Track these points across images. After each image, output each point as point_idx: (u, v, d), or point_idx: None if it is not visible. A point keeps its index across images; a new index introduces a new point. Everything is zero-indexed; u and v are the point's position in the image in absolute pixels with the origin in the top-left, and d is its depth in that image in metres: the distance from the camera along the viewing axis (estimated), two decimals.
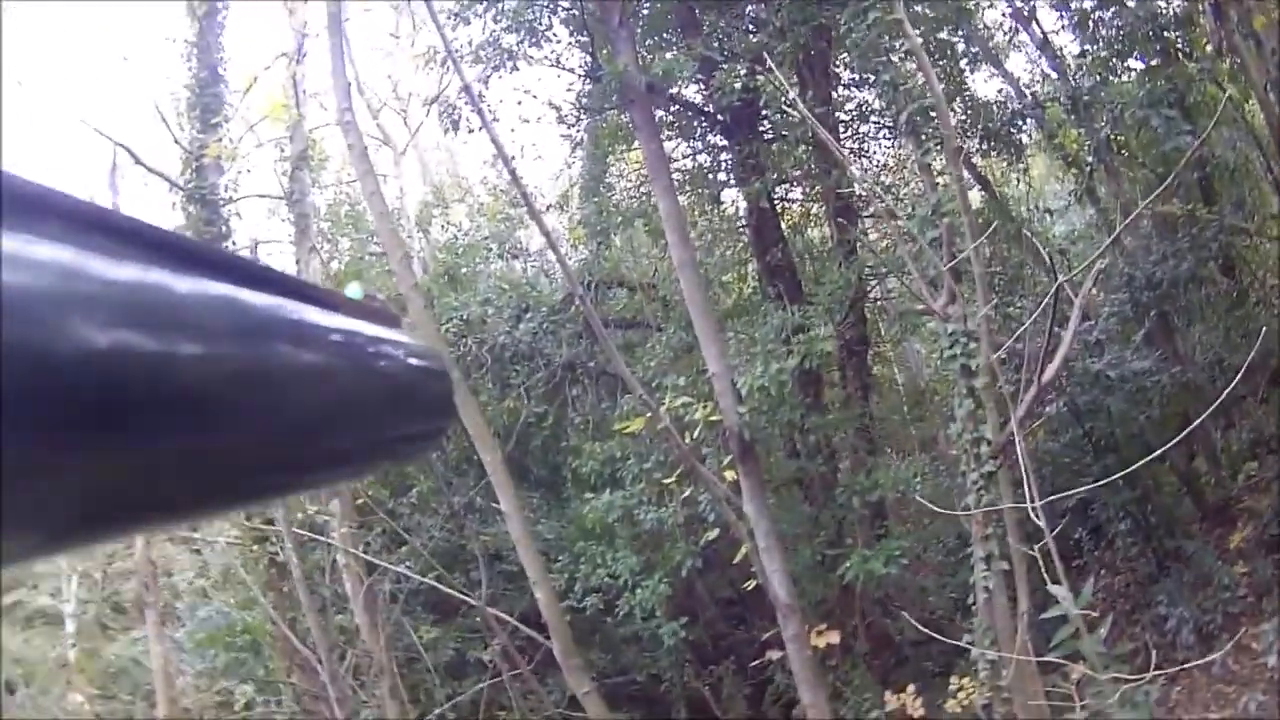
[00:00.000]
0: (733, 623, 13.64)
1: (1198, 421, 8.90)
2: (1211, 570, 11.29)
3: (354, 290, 0.69)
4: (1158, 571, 12.27)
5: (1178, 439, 8.53)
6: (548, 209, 15.27)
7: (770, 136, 12.30)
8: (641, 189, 13.58)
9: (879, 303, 14.24)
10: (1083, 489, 8.85)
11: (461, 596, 11.55)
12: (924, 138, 10.03)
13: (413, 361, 0.69)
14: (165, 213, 14.07)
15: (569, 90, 13.02)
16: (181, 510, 0.49)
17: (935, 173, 10.45)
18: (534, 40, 11.92)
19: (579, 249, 13.80)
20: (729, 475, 9.76)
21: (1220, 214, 13.01)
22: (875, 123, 13.73)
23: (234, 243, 14.21)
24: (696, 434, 9.73)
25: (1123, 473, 8.32)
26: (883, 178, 13.68)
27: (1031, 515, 6.09)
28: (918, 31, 10.11)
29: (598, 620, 12.78)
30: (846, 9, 10.04)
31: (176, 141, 14.70)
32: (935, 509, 9.33)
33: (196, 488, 0.46)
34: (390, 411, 0.66)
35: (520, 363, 13.02)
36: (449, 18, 11.38)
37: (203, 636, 16.18)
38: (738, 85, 10.24)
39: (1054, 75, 13.82)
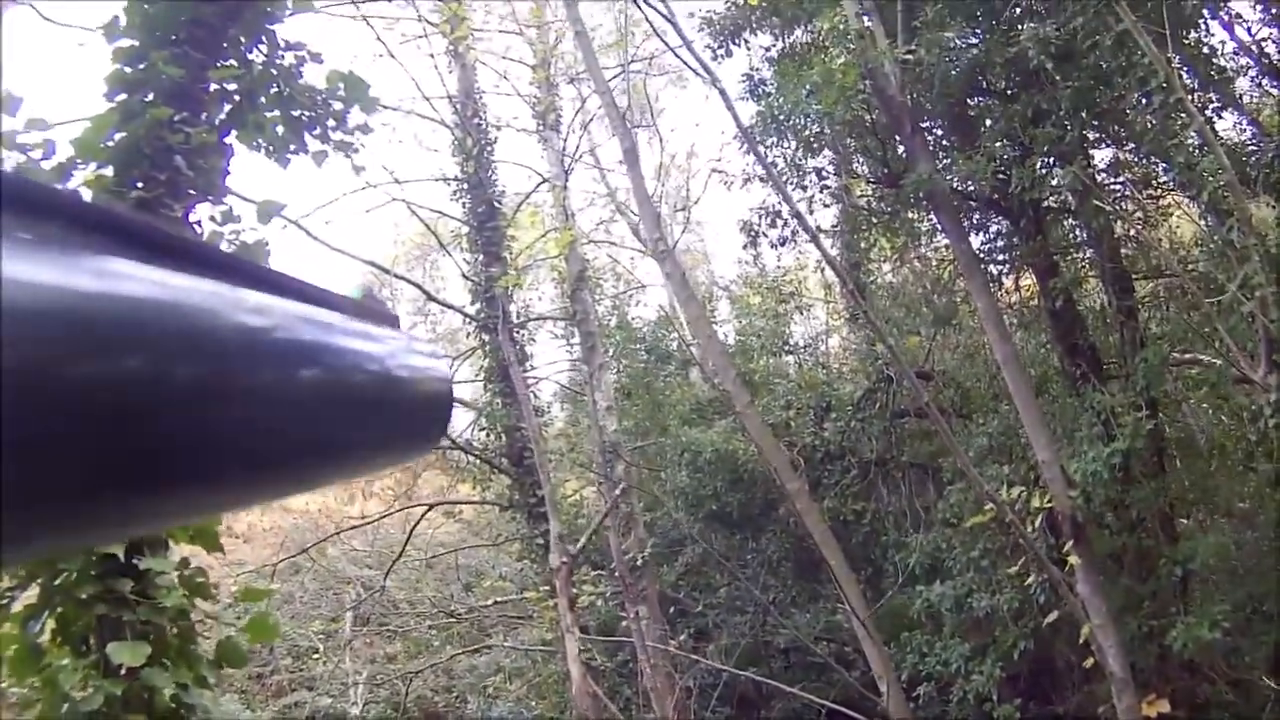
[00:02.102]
0: (1039, 702, 13.63)
1: None
2: None
3: (354, 290, 0.67)
4: None
5: None
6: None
7: (1049, 213, 12.55)
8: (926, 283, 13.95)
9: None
10: None
11: (773, 687, 11.93)
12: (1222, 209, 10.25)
13: (413, 360, 0.70)
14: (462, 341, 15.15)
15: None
16: (182, 509, 0.51)
17: (1236, 245, 10.53)
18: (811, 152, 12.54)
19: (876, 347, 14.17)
20: (1071, 561, 9.97)
21: None
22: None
23: (533, 366, 15.05)
24: (1036, 521, 10.01)
25: None
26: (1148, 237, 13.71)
27: None
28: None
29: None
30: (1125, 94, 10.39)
31: (464, 275, 15.72)
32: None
33: (198, 485, 0.47)
34: (391, 409, 0.66)
35: (831, 462, 13.45)
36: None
37: None
38: (1041, 179, 10.65)
39: None
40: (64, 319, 0.38)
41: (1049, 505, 10.11)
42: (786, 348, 15.93)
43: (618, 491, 13.44)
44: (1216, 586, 13.70)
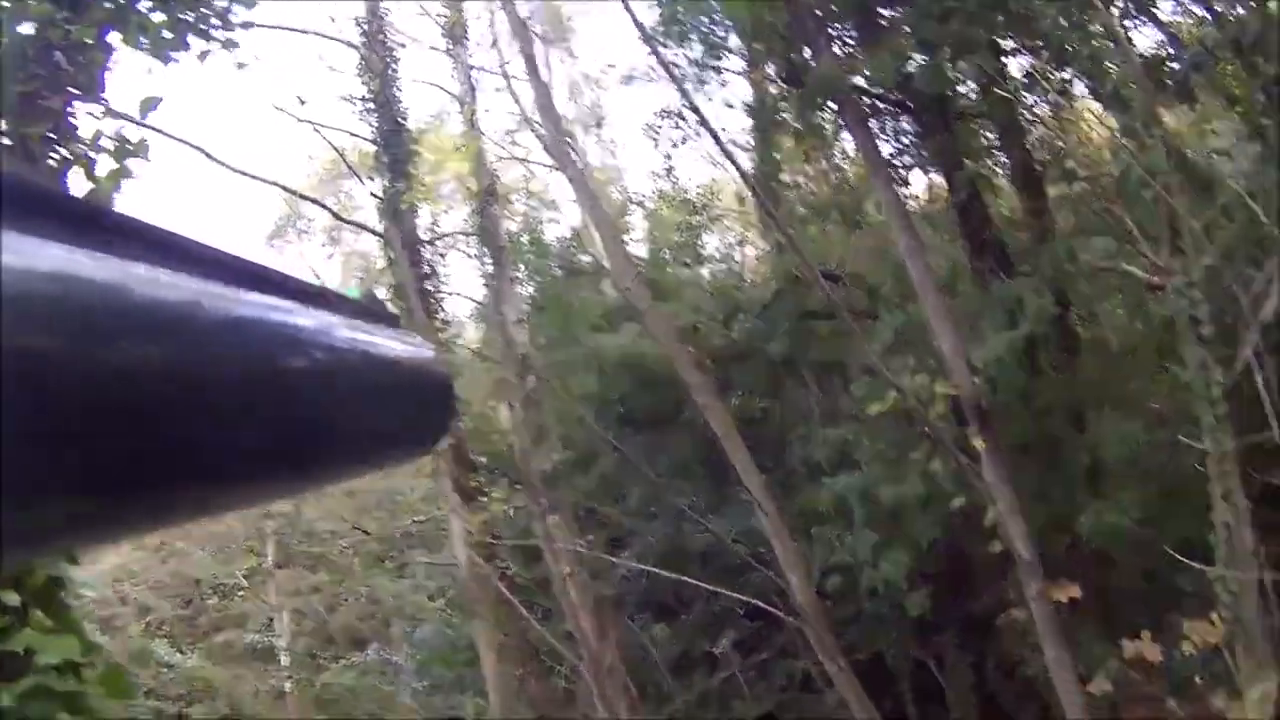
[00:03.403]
0: (954, 596, 13.86)
1: None
2: None
3: (353, 290, 0.68)
4: None
5: None
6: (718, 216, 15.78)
7: (959, 117, 12.57)
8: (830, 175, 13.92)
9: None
10: None
11: (690, 590, 12.00)
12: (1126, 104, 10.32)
13: (413, 360, 0.70)
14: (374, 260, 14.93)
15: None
16: (186, 510, 0.50)
17: (1137, 138, 10.62)
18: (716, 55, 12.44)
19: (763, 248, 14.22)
20: (976, 445, 10.10)
21: None
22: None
23: (444, 282, 14.87)
24: (938, 410, 10.10)
25: None
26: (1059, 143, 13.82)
27: None
28: None
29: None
30: None
31: (372, 194, 15.47)
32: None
33: (200, 487, 0.47)
34: (392, 409, 0.66)
35: (739, 363, 13.43)
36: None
37: (424, 656, 16.82)
38: (946, 76, 10.63)
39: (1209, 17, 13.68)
40: (65, 319, 0.37)
41: (953, 392, 10.19)
42: (700, 258, 15.93)
43: (526, 400, 13.38)
44: (1128, 479, 14.04)
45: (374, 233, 15.48)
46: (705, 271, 16.08)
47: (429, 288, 14.55)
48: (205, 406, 0.45)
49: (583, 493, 14.44)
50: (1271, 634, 8.43)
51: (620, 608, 13.98)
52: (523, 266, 16.07)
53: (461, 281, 17.79)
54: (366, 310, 0.64)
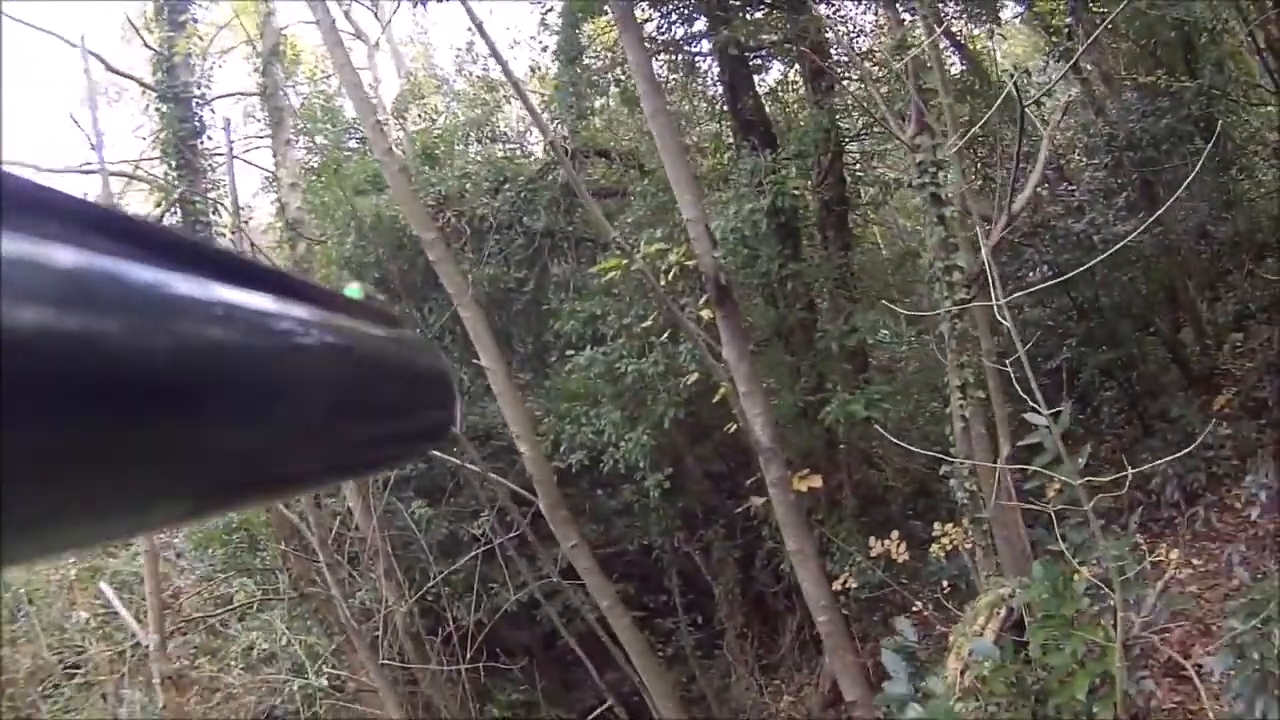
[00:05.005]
0: (719, 487, 13.78)
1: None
2: (1196, 432, 11.42)
3: (353, 290, 0.69)
4: (1143, 434, 12.41)
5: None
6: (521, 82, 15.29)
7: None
8: (616, 55, 13.53)
9: (858, 166, 14.25)
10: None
11: (455, 470, 11.65)
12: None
13: (412, 359, 0.70)
14: (141, 118, 14.10)
15: None
16: (180, 510, 0.49)
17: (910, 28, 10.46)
18: None
19: (557, 125, 13.76)
20: (705, 315, 9.84)
21: (1201, 80, 13.00)
22: None
23: (209, 139, 14.10)
24: (671, 277, 9.79)
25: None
26: (856, 42, 13.70)
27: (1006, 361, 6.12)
28: None
29: (588, 492, 12.90)
30: None
31: (147, 45, 14.64)
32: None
33: (193, 487, 0.46)
34: (389, 410, 0.66)
35: (500, 232, 13.06)
36: None
37: (200, 536, 16.33)
38: None
39: None
40: (66, 318, 0.37)
41: (687, 262, 9.85)
42: (495, 136, 15.48)
43: (295, 266, 12.83)
44: (886, 375, 14.08)
45: (141, 83, 14.63)
46: (499, 149, 15.60)
47: (197, 145, 13.78)
48: (202, 407, 0.43)
49: None
50: (1011, 535, 8.30)
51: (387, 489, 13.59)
52: (312, 136, 15.50)
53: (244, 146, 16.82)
54: (367, 310, 0.63)
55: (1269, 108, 14.12)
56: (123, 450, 0.40)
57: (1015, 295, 7.98)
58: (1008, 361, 6.57)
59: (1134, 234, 9.20)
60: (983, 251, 7.38)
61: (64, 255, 0.37)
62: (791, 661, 12.70)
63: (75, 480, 0.38)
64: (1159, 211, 9.14)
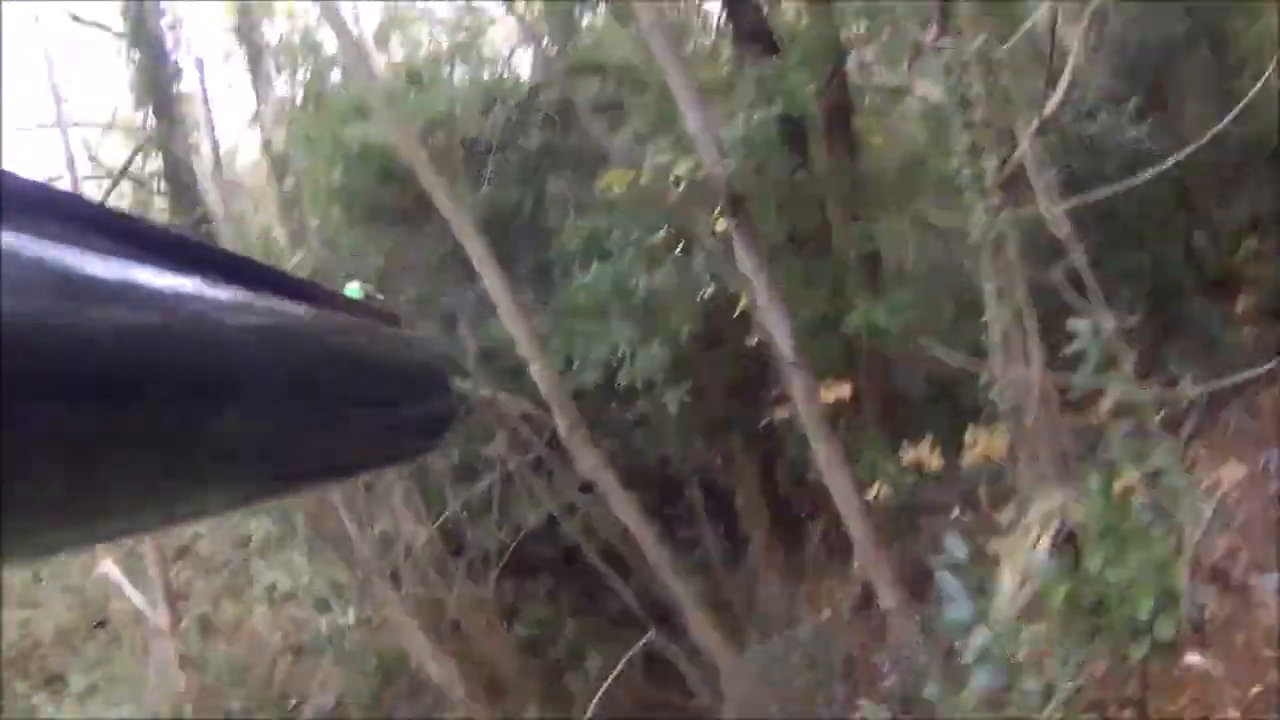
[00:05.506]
0: (739, 398, 13.63)
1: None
2: (1218, 334, 11.28)
3: (353, 289, 0.67)
4: (1163, 337, 12.27)
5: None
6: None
7: None
8: None
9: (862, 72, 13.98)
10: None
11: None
12: None
13: (415, 356, 0.71)
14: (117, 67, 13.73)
15: None
16: (185, 509, 0.49)
17: None
18: None
19: (547, 43, 13.44)
20: (719, 228, 9.67)
21: None
22: None
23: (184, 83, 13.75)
24: (681, 188, 9.57)
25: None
26: None
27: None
28: None
29: (603, 405, 12.78)
30: None
31: None
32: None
33: (197, 486, 0.46)
34: (395, 406, 0.65)
35: (495, 153, 12.80)
36: None
37: None
38: None
39: None
40: (67, 319, 0.36)
41: (696, 173, 9.61)
42: (482, 60, 15.13)
43: (284, 200, 12.64)
44: (907, 281, 13.85)
45: (105, 29, 14.23)
46: (486, 74, 15.24)
47: (173, 89, 13.44)
48: (208, 406, 0.42)
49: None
50: (1054, 445, 8.10)
51: None
52: (293, 70, 15.14)
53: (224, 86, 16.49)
54: (368, 309, 0.66)
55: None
56: (123, 450, 0.38)
57: (1073, 202, 7.71)
58: (1057, 267, 6.38)
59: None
60: (1022, 151, 7.18)
61: (64, 255, 0.36)
62: (817, 568, 12.71)
63: (76, 479, 0.36)
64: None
